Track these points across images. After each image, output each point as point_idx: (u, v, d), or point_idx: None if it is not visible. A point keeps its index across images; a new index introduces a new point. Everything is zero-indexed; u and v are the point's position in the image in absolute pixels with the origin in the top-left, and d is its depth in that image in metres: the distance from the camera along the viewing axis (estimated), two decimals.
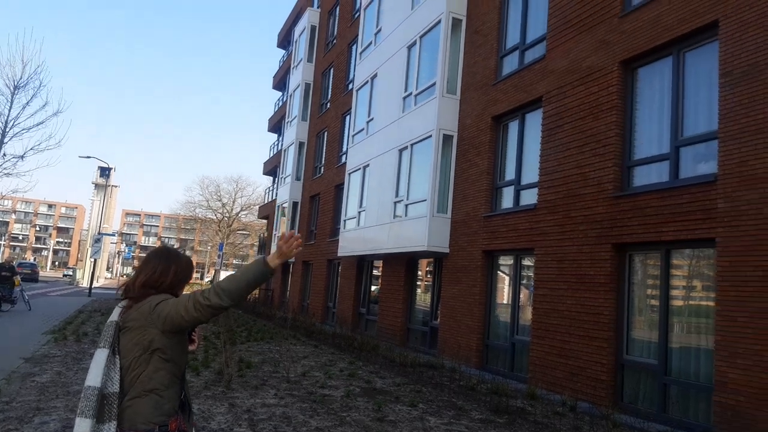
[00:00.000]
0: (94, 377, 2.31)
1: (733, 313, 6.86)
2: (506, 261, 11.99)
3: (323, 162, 24.36)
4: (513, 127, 12.17)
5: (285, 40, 38.01)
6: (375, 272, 18.42)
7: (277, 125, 37.41)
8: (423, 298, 15.28)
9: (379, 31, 18.42)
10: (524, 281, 11.35)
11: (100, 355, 2.37)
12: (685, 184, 7.79)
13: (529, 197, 11.19)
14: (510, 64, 12.45)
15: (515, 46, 12.29)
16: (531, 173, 11.24)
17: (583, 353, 9.06)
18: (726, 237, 7.09)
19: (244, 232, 74.34)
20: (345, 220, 19.19)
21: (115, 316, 2.49)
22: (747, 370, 6.57)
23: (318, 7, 28.38)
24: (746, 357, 6.62)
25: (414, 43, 15.56)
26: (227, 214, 68.09)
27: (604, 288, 8.88)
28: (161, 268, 2.57)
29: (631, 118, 9.11)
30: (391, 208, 15.52)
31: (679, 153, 8.19)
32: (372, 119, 18.03)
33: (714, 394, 6.98)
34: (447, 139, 13.82)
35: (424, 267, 15.53)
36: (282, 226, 27.54)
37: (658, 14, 8.56)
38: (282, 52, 39.47)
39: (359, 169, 18.50)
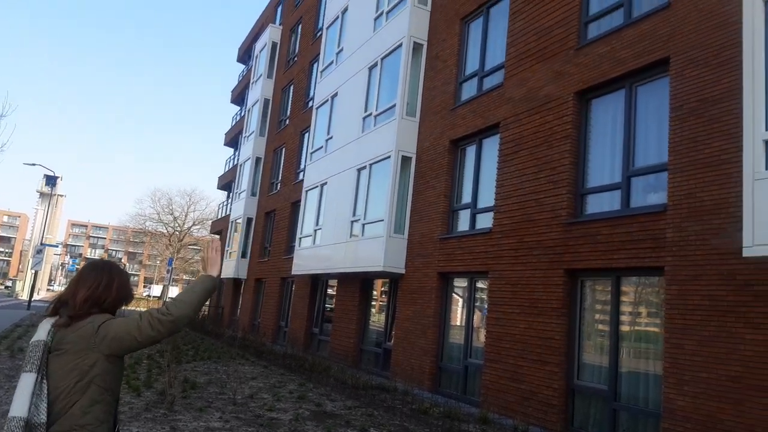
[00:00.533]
0: (19, 406, 2.05)
1: (681, 341, 7.03)
2: (461, 283, 12.03)
3: (280, 178, 24.09)
4: (471, 152, 12.32)
5: (245, 54, 37.72)
6: (329, 291, 18.19)
7: (234, 140, 36.90)
8: (377, 318, 15.15)
9: (341, 50, 18.46)
10: (478, 304, 11.40)
11: (27, 380, 2.10)
12: (636, 213, 8.00)
13: (485, 221, 11.30)
14: (469, 89, 12.64)
15: (474, 73, 12.50)
16: (487, 197, 11.36)
17: (535, 377, 9.11)
18: (674, 266, 7.29)
19: (196, 247, 72.60)
20: (300, 238, 18.95)
21: (42, 334, 2.21)
22: (695, 397, 6.72)
23: (280, 24, 28.31)
24: (693, 384, 6.77)
25: (375, 65, 15.65)
26: (179, 228, 66.39)
27: (556, 313, 8.99)
28: (105, 282, 2.33)
29: (585, 148, 9.34)
30: (348, 227, 15.41)
31: (630, 183, 8.43)
32: (331, 137, 17.97)
33: (662, 420, 7.10)
34: (406, 160, 13.87)
35: (379, 287, 15.43)
36: (235, 243, 26.99)
37: (612, 48, 8.86)
38: (242, 66, 39.13)
39: (317, 186, 18.36)
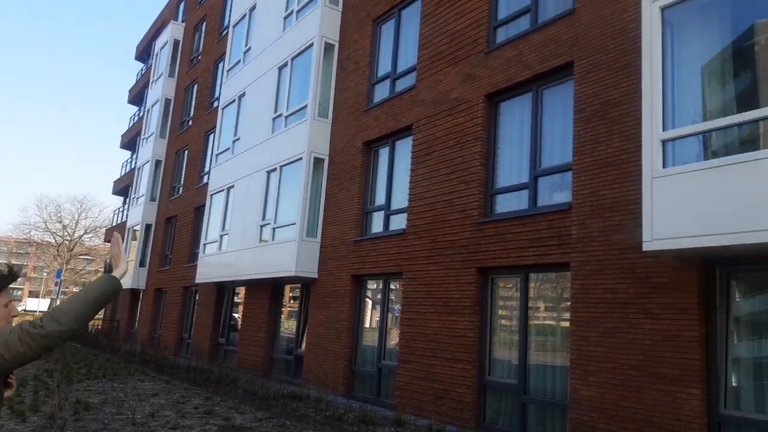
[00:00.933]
0: None
1: (586, 333, 7.31)
2: (375, 285, 11.94)
3: (182, 182, 22.96)
4: (384, 153, 12.30)
5: (144, 52, 35.80)
6: (237, 299, 17.49)
7: (131, 142, 34.81)
8: (288, 325, 14.72)
9: (249, 49, 17.92)
10: (392, 305, 11.35)
11: None
12: (543, 212, 8.27)
13: (399, 222, 11.29)
14: (381, 91, 12.64)
15: (387, 75, 12.52)
16: (401, 199, 11.37)
17: (448, 376, 9.16)
18: (579, 261, 7.58)
19: (88, 257, 67.70)
20: (205, 244, 18.11)
21: None
22: (599, 387, 6.99)
23: (182, 21, 27.11)
24: (598, 374, 7.05)
25: (285, 65, 15.30)
26: (68, 237, 61.70)
27: (468, 311, 9.10)
28: None
29: (495, 149, 9.58)
30: (257, 231, 14.89)
31: (537, 182, 8.71)
32: (239, 139, 17.35)
33: (569, 411, 7.34)
34: (318, 162, 13.62)
35: (290, 293, 15.02)
36: (132, 251, 25.37)
37: (519, 52, 9.15)
38: (140, 65, 37.10)
39: (223, 190, 17.64)
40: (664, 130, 6.26)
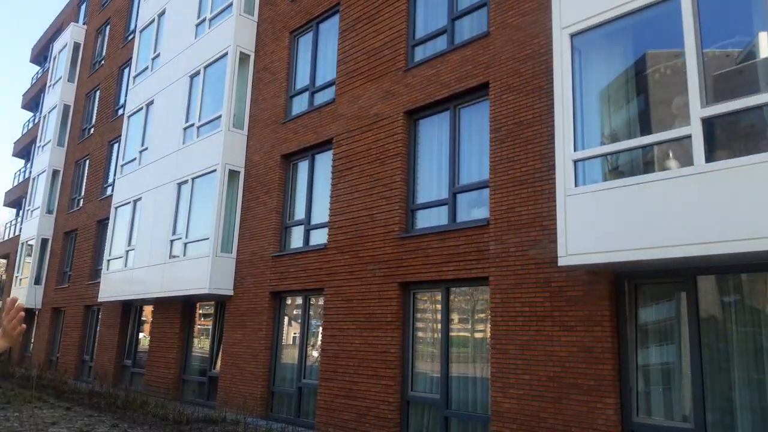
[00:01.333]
0: None
1: (505, 346, 7.51)
2: (295, 302, 11.70)
3: (83, 194, 21.52)
4: (303, 167, 12.13)
5: (41, 55, 33.39)
6: (144, 318, 16.54)
7: (25, 150, 32.28)
8: (201, 345, 14.10)
9: (158, 56, 17.14)
10: (313, 322, 11.16)
11: None
12: (462, 228, 8.44)
13: (320, 237, 11.15)
14: (300, 104, 12.48)
15: (305, 88, 12.38)
16: (321, 213, 11.24)
17: (370, 393, 9.11)
18: (497, 276, 7.80)
19: None
20: (109, 260, 17.02)
21: None
22: (519, 399, 7.19)
23: (84, 24, 25.52)
24: (518, 387, 7.25)
25: (197, 73, 14.76)
26: None
27: (390, 326, 9.11)
28: None
29: (415, 165, 9.69)
30: (167, 246, 14.19)
31: (456, 199, 8.90)
32: (146, 149, 16.50)
33: (491, 423, 7.49)
34: (233, 174, 13.20)
35: (203, 311, 14.40)
36: (26, 268, 23.43)
37: (437, 71, 9.33)
38: (36, 68, 34.53)
39: (129, 202, 16.69)
40: (575, 151, 6.58)
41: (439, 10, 9.87)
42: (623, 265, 6.31)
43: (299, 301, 11.50)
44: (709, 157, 5.49)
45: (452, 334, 8.63)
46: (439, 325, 8.77)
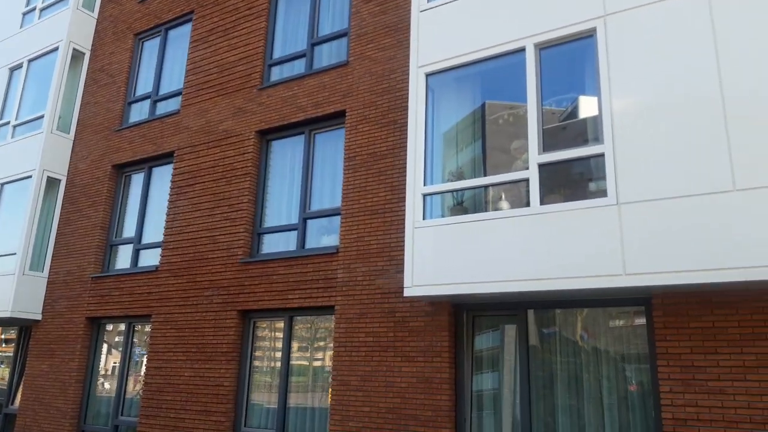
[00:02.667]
0: None
1: (347, 378, 7.36)
2: (117, 329, 10.50)
3: None
4: (137, 180, 11.10)
5: None
6: None
7: None
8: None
9: None
10: (137, 352, 10.08)
11: None
12: (311, 254, 8.24)
13: (151, 258, 10.19)
14: (140, 111, 11.50)
15: (147, 95, 11.45)
16: (155, 232, 10.32)
17: (199, 430, 8.38)
18: (343, 305, 7.68)
19: None
20: None
21: None
22: (358, 431, 7.05)
23: None
24: (357, 419, 7.11)
25: (19, 65, 13.02)
26: None
27: (226, 357, 8.52)
28: None
29: (264, 187, 9.32)
30: None
31: (306, 224, 8.68)
32: None
33: None
34: (53, 182, 11.68)
35: (5, 336, 12.37)
36: None
37: (294, 94, 9.16)
38: None
39: None
40: (425, 185, 6.77)
41: (299, 33, 9.76)
42: (462, 298, 6.55)
43: (122, 327, 10.35)
44: (543, 200, 5.95)
45: (293, 363, 8.29)
46: (280, 356, 8.38)
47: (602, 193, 5.65)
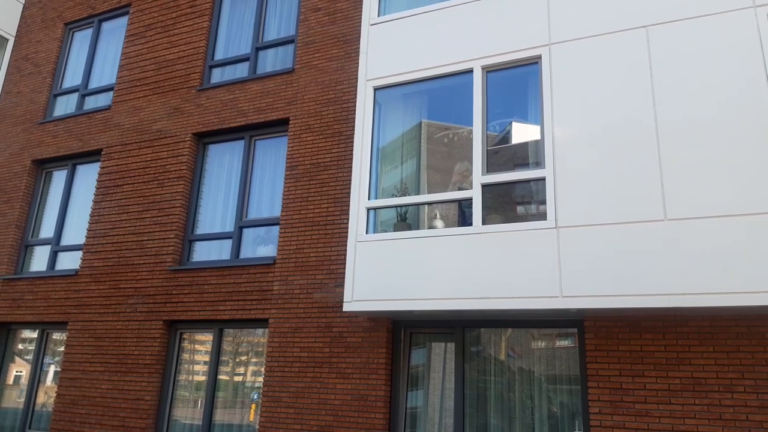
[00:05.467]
0: None
1: (278, 394, 7.12)
2: (29, 337, 9.74)
3: None
4: (59, 177, 10.41)
5: None
6: None
7: None
8: None
9: None
10: (50, 362, 9.38)
11: None
12: (245, 264, 7.96)
13: (70, 261, 9.55)
14: (66, 105, 10.82)
15: (75, 88, 10.80)
16: (76, 233, 9.69)
17: None
18: (278, 318, 7.45)
19: None
20: None
21: None
22: None
23: None
24: None
25: None
26: None
27: (149, 369, 8.06)
28: None
29: (198, 192, 8.96)
30: None
31: (242, 233, 8.39)
32: None
33: None
34: None
35: None
36: None
37: (235, 98, 8.88)
38: None
39: None
40: (369, 199, 6.70)
41: (243, 36, 9.51)
42: (401, 314, 6.50)
43: (34, 335, 9.61)
44: (486, 220, 6.01)
45: (221, 377, 7.94)
46: (207, 370, 8.02)
47: (542, 216, 5.77)
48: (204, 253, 8.61)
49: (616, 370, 5.60)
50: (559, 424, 5.99)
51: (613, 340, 5.68)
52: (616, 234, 5.32)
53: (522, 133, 6.47)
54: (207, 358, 8.13)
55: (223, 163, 9.02)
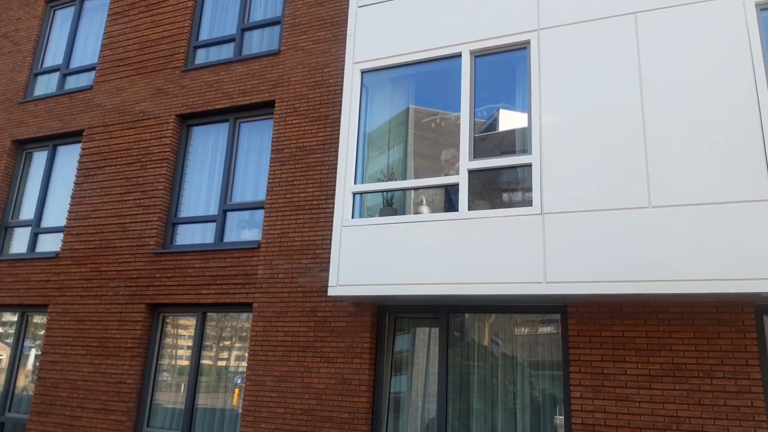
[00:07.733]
0: None
1: (262, 378, 7.10)
2: (9, 320, 9.61)
3: None
4: (40, 158, 10.22)
5: None
6: None
7: None
8: None
9: None
10: (30, 345, 9.27)
11: None
12: (230, 248, 7.89)
13: (51, 243, 9.41)
14: (47, 84, 10.60)
15: (56, 68, 10.58)
16: (57, 215, 9.54)
17: (96, 430, 7.81)
18: (262, 302, 7.41)
19: None
20: None
21: None
22: None
23: None
24: (270, 421, 6.88)
25: None
26: None
27: (131, 353, 8.00)
28: None
29: (182, 174, 8.85)
30: None
31: (226, 217, 8.31)
32: None
33: None
34: None
35: None
36: None
37: (220, 79, 8.75)
38: None
39: None
40: (355, 183, 6.65)
41: (229, 16, 9.35)
42: (386, 299, 6.49)
43: (14, 318, 9.48)
44: (471, 205, 5.99)
45: (204, 362, 7.90)
46: (190, 354, 7.97)
47: (528, 202, 5.77)
48: (187, 236, 8.52)
49: (598, 355, 5.65)
50: (541, 409, 6.05)
51: (596, 326, 5.72)
52: (601, 220, 5.34)
53: (509, 120, 6.45)
54: (190, 343, 8.08)
55: (207, 145, 8.90)
